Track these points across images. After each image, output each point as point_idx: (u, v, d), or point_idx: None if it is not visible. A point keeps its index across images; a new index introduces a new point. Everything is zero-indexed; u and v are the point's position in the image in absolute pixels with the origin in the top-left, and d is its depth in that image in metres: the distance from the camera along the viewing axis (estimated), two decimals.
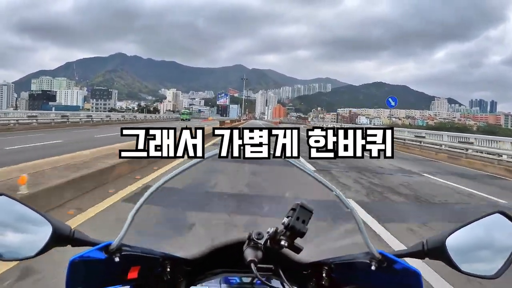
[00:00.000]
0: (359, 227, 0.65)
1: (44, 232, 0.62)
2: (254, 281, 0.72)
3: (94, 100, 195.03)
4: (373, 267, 0.65)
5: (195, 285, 0.73)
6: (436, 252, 0.64)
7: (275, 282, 0.70)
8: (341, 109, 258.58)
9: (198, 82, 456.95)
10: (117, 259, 0.65)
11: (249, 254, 0.67)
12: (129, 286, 0.75)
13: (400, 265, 0.63)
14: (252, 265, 0.64)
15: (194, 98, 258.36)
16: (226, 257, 0.79)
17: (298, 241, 0.70)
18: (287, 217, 0.69)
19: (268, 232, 0.70)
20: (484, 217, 0.65)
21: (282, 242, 0.68)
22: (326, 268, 0.76)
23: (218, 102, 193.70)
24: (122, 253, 0.66)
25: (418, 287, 0.62)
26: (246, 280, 0.73)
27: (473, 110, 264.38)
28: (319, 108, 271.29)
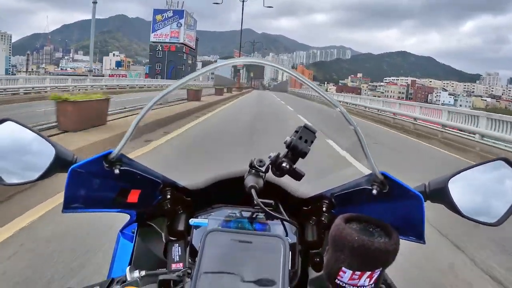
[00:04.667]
0: (361, 145, 0.61)
1: (48, 157, 0.61)
2: (254, 215, 0.71)
3: None
4: (374, 191, 0.62)
5: (195, 218, 0.72)
6: (438, 194, 0.63)
7: (275, 214, 0.68)
8: (391, 78, 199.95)
9: (204, 46, 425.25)
10: (117, 171, 0.63)
11: (250, 180, 0.66)
12: (129, 214, 0.75)
13: (401, 188, 0.60)
14: (253, 191, 0.63)
15: None
16: (228, 191, 0.78)
17: (300, 166, 0.69)
18: (290, 137, 0.68)
19: (269, 157, 0.69)
20: (487, 162, 0.64)
21: (284, 164, 0.67)
22: (326, 202, 0.75)
23: (153, 36, 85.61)
24: (123, 168, 0.64)
25: (420, 213, 0.59)
26: (246, 214, 0.72)
27: None
28: (359, 75, 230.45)
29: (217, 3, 39.98)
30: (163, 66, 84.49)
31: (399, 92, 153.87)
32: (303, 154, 0.67)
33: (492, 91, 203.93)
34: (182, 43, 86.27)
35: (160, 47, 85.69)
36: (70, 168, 0.60)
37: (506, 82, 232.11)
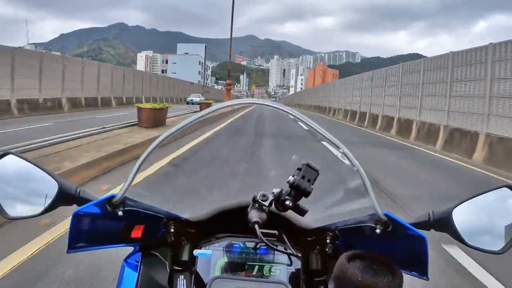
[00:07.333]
0: (365, 186, 0.62)
1: (51, 191, 0.62)
2: (258, 245, 0.72)
3: None
4: (378, 231, 0.62)
5: (199, 248, 0.74)
6: (442, 223, 0.63)
7: (279, 248, 0.69)
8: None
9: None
10: (120, 213, 0.64)
11: (254, 215, 0.66)
12: (133, 247, 0.76)
13: (405, 229, 0.61)
14: (256, 226, 0.64)
15: None
16: (231, 221, 0.78)
17: (304, 203, 0.69)
18: (293, 176, 0.68)
19: (273, 193, 0.69)
20: (491, 190, 0.64)
21: (287, 202, 0.67)
22: (331, 234, 0.75)
23: None
24: (126, 208, 0.64)
25: (423, 252, 0.60)
26: (250, 244, 0.73)
27: None
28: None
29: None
30: None
31: None
32: (307, 194, 0.67)
33: None
34: None
35: None
36: (73, 212, 0.61)
37: None
